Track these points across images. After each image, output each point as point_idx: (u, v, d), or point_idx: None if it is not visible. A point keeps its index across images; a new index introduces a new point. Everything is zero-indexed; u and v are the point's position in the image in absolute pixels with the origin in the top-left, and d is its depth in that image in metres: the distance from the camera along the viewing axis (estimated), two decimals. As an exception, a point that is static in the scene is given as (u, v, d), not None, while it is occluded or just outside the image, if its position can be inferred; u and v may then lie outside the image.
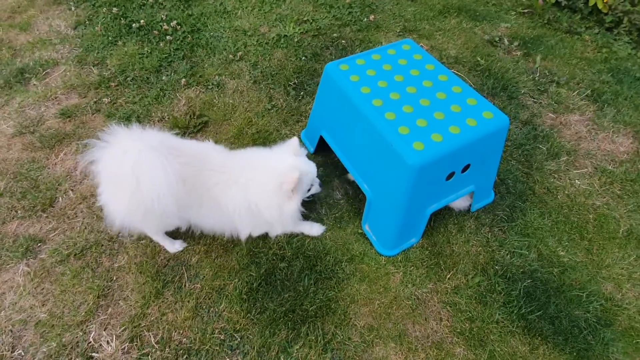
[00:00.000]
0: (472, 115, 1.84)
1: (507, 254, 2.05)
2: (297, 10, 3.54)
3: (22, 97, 2.80)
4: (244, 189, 1.75)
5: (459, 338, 1.79)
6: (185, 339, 1.78)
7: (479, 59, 3.13)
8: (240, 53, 3.13)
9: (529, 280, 1.96)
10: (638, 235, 2.15)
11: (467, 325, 1.83)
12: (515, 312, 1.86)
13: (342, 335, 1.79)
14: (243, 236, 1.98)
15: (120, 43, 3.21)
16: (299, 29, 3.35)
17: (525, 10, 3.62)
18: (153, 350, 1.75)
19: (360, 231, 2.13)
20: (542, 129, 2.66)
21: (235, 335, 1.79)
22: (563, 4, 3.57)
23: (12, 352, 1.74)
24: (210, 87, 2.90)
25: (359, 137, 1.96)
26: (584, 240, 2.13)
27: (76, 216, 2.19)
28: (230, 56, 3.11)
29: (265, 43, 3.24)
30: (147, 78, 2.95)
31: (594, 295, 1.92)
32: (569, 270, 2.01)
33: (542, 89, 2.93)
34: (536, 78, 3.00)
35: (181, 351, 1.75)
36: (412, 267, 2.00)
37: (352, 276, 1.97)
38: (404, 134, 1.75)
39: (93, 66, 3.04)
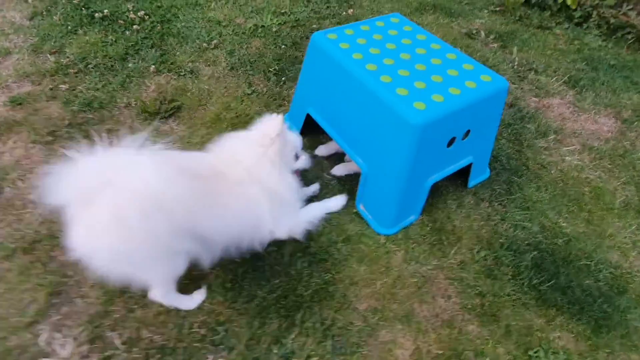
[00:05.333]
0: (470, 78, 1.75)
1: (510, 227, 1.94)
2: (274, 2, 3.46)
3: (-33, 85, 2.47)
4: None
5: (470, 315, 1.62)
6: (157, 337, 1.50)
7: (459, 49, 3.14)
8: (215, 42, 2.97)
9: (535, 252, 1.85)
10: (635, 205, 2.12)
11: (477, 300, 1.67)
12: (526, 283, 1.73)
13: (343, 320, 1.57)
14: (279, 233, 1.67)
15: (81, 32, 2.96)
16: (277, 20, 3.25)
17: (497, 9, 3.73)
18: (118, 352, 1.45)
19: (354, 211, 1.95)
20: (527, 111, 2.65)
21: (219, 328, 1.53)
22: (532, 2, 3.72)
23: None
24: (182, 73, 2.69)
25: (352, 106, 1.82)
26: (583, 211, 2.06)
27: (25, 207, 1.87)
28: (205, 44, 2.94)
29: (242, 33, 3.10)
30: (112, 65, 2.71)
31: (602, 263, 1.84)
32: (573, 241, 1.92)
33: (522, 76, 2.96)
34: (515, 66, 3.04)
35: (153, 350, 1.46)
36: (414, 244, 1.83)
37: (350, 257, 1.77)
38: (403, 95, 1.63)
39: (49, 54, 2.76)
